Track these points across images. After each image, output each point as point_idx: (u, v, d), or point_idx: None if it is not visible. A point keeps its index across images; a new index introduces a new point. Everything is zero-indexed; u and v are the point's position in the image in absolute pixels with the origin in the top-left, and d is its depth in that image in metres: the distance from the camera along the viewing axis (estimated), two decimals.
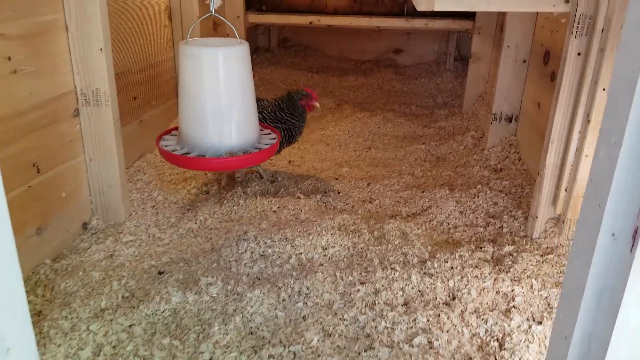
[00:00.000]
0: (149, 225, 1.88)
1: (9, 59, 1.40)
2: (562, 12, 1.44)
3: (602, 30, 1.35)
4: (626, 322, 0.73)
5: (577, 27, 1.39)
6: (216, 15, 1.68)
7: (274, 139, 1.88)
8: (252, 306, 1.42)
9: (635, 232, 0.69)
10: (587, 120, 1.42)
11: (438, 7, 1.45)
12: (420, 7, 1.46)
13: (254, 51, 4.42)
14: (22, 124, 1.47)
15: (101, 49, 1.65)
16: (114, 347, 1.28)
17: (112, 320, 1.34)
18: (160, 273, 1.60)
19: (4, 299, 0.71)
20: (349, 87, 3.99)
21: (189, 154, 1.67)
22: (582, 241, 0.80)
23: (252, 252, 1.70)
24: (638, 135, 0.67)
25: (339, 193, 2.18)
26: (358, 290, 1.50)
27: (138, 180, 2.17)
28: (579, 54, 1.42)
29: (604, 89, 1.35)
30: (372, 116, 3.25)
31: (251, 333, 1.34)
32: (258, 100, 2.12)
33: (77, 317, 1.35)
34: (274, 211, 2.02)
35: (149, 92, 2.43)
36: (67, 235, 1.73)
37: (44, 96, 1.56)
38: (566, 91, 1.46)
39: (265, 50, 4.57)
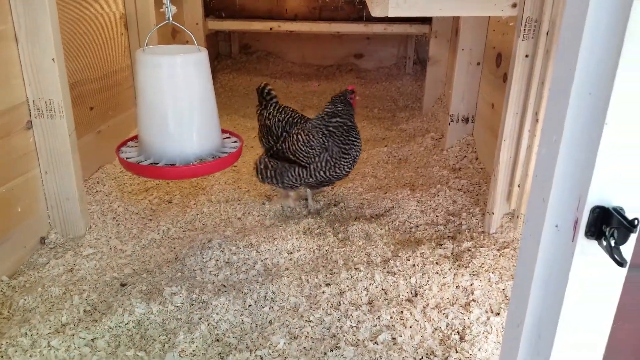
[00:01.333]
0: (110, 237, 1.85)
1: None
2: (510, 15, 1.49)
3: (547, 33, 1.41)
4: (572, 307, 0.77)
5: (524, 30, 1.45)
6: (173, 23, 1.67)
7: (236, 141, 1.88)
8: (217, 313, 1.42)
9: (576, 223, 0.73)
10: (536, 120, 1.49)
11: (392, 13, 1.49)
12: (375, 13, 1.50)
13: (215, 57, 4.40)
14: None
15: (53, 59, 1.62)
16: None
17: (73, 335, 1.32)
18: (122, 285, 1.58)
19: None
20: (311, 92, 4.01)
21: (156, 163, 1.65)
22: (529, 233, 0.84)
23: (217, 260, 1.70)
24: (575, 133, 0.71)
25: (305, 199, 2.20)
26: (323, 292, 1.51)
27: (97, 192, 2.13)
28: (526, 56, 1.48)
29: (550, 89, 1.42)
30: None
31: (217, 340, 1.34)
32: (303, 119, 1.99)
33: (37, 334, 1.32)
34: (239, 218, 2.02)
35: (106, 101, 2.39)
36: (25, 251, 1.69)
37: None
38: (516, 92, 1.52)
39: (226, 57, 4.55)
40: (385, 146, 2.83)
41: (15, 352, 1.26)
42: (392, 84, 4.12)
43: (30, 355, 1.26)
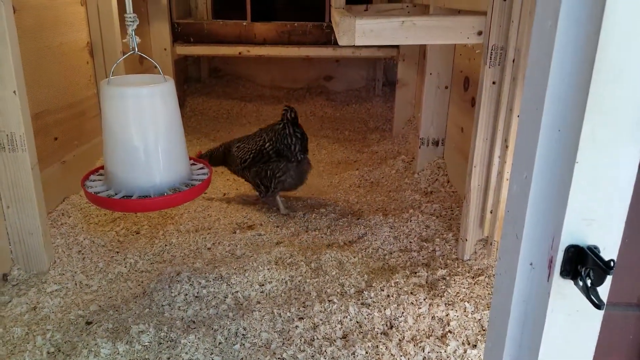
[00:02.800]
0: (75, 272, 1.77)
1: None
2: (475, 43, 1.51)
3: (513, 61, 1.43)
4: (549, 348, 0.75)
5: (490, 57, 1.47)
6: (139, 53, 1.64)
7: (204, 168, 1.85)
8: (186, 352, 1.37)
9: (550, 261, 0.72)
10: (505, 146, 1.50)
11: (359, 42, 1.49)
12: (342, 42, 1.50)
13: (184, 81, 4.36)
14: None
15: (15, 92, 1.56)
16: None
17: None
18: (88, 323, 1.51)
19: None
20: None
21: (131, 196, 1.60)
22: (503, 271, 0.83)
23: (185, 294, 1.65)
24: (546, 171, 0.70)
25: (276, 227, 2.16)
26: (296, 327, 1.48)
27: (62, 225, 2.06)
28: (493, 82, 1.50)
29: (518, 116, 1.43)
30: None
31: None
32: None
33: None
34: (209, 248, 1.98)
35: (71, 131, 2.33)
36: None
37: None
38: (484, 118, 1.54)
39: (195, 81, 4.52)
40: (357, 169, 2.83)
41: None
42: (362, 105, 4.14)
43: None
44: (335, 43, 3.67)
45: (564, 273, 0.70)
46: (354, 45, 3.56)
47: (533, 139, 0.71)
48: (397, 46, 3.36)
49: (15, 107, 1.59)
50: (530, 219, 0.74)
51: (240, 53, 3.68)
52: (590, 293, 0.66)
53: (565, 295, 0.71)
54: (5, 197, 1.67)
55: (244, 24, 3.74)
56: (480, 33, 1.46)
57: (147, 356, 1.36)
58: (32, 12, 2.01)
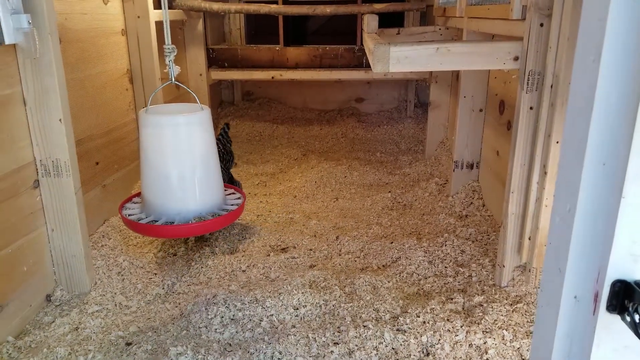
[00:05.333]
0: (115, 293, 1.82)
1: None
2: (512, 69, 1.51)
3: (551, 86, 1.42)
4: None
5: (528, 83, 1.46)
6: (176, 82, 1.70)
7: (239, 198, 1.88)
8: None
9: (596, 296, 0.71)
10: (544, 172, 1.48)
11: (393, 69, 1.51)
12: (376, 69, 1.52)
13: (218, 105, 4.46)
14: None
15: (60, 120, 1.63)
16: None
17: None
18: (128, 344, 1.54)
19: None
20: (313, 136, 4.04)
21: (155, 221, 1.65)
22: (545, 303, 0.82)
23: (222, 317, 1.67)
24: (590, 204, 0.70)
25: (309, 249, 2.17)
26: (332, 352, 1.47)
27: (103, 246, 2.12)
28: (531, 108, 1.49)
29: (557, 142, 1.41)
30: (338, 165, 3.29)
31: None
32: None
33: None
34: (243, 271, 2.00)
35: (111, 156, 2.41)
36: (30, 310, 1.66)
37: (2, 170, 1.53)
38: (522, 143, 1.52)
39: (229, 104, 4.61)
40: (389, 192, 2.83)
41: None
42: (393, 127, 4.15)
43: None
44: (367, 66, 3.70)
45: (611, 308, 0.69)
46: None
47: (577, 172, 0.71)
48: None
49: (60, 135, 1.66)
50: (574, 252, 0.73)
51: (273, 77, 3.74)
52: (638, 328, 0.65)
53: (612, 330, 0.70)
54: (50, 221, 1.73)
55: (277, 48, 3.82)
56: (516, 58, 1.46)
57: None
58: (76, 43, 2.10)
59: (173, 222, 1.65)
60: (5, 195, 1.54)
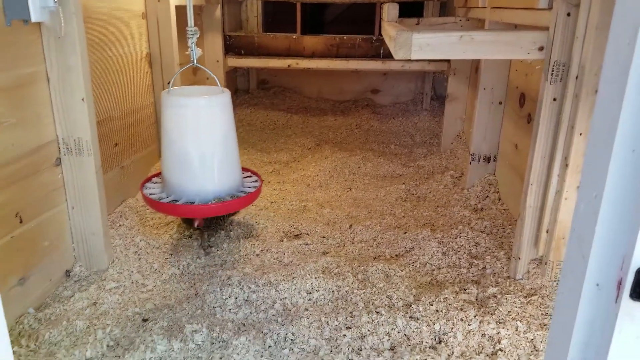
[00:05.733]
0: (132, 272, 1.85)
1: None
2: (536, 59, 1.50)
3: (577, 77, 1.41)
4: None
5: (552, 74, 1.45)
6: (198, 65, 1.71)
7: (256, 181, 1.90)
8: (238, 354, 1.40)
9: (620, 283, 0.71)
10: (565, 164, 1.47)
11: (415, 56, 1.50)
12: (398, 56, 1.51)
13: (234, 93, 4.47)
14: (4, 175, 1.46)
15: (83, 99, 1.65)
16: None
17: None
18: (144, 320, 1.57)
19: None
20: (328, 126, 4.04)
21: (176, 201, 1.67)
22: (566, 290, 0.82)
23: (236, 298, 1.69)
24: (618, 191, 0.69)
25: (322, 237, 2.18)
26: (344, 336, 1.49)
27: (120, 226, 2.14)
28: (554, 99, 1.48)
29: (580, 134, 1.41)
30: (352, 156, 3.29)
31: None
32: None
33: None
34: (257, 255, 2.01)
35: (130, 138, 2.43)
36: (50, 284, 1.70)
37: (26, 147, 1.55)
38: (543, 136, 1.51)
39: (244, 92, 4.62)
40: (403, 183, 2.82)
41: None
42: (409, 119, 4.13)
43: None
44: (384, 56, 3.69)
45: (634, 295, 0.69)
46: (406, 60, 3.57)
47: (604, 159, 0.70)
48: (448, 60, 3.35)
49: (83, 114, 1.68)
50: (598, 239, 0.73)
51: (289, 65, 3.74)
52: None
53: (635, 317, 0.70)
54: (70, 199, 1.76)
55: (294, 37, 3.81)
56: (541, 48, 1.45)
57: (200, 355, 1.40)
58: (98, 24, 2.11)
59: (193, 202, 1.66)
60: (29, 171, 1.57)
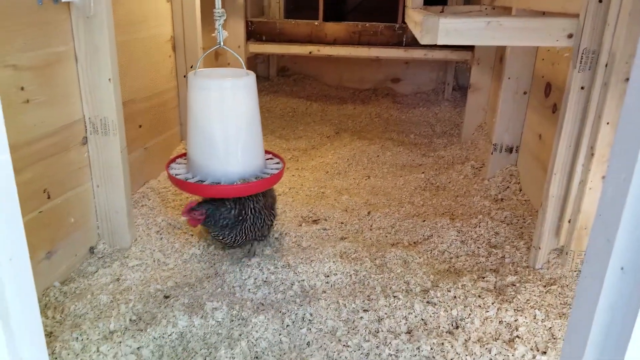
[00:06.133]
0: (154, 250, 1.88)
1: (22, 89, 1.44)
2: (564, 46, 1.48)
3: (606, 65, 1.39)
4: (634, 357, 0.74)
5: (581, 61, 1.43)
6: (224, 47, 1.72)
7: (279, 163, 1.91)
8: (257, 331, 1.43)
9: None
10: (591, 154, 1.46)
11: (441, 41, 1.49)
12: (424, 41, 1.51)
13: None
14: (33, 151, 1.50)
15: (109, 79, 1.68)
16: None
17: (121, 342, 1.36)
18: (166, 297, 1.60)
19: (21, 320, 0.72)
20: (347, 115, 4.04)
21: (202, 181, 1.69)
22: (590, 274, 0.81)
23: (255, 278, 1.71)
24: None
25: (341, 223, 2.20)
26: (361, 318, 1.50)
27: (143, 206, 2.18)
28: (582, 87, 1.46)
29: (607, 123, 1.39)
30: (371, 144, 3.29)
31: (257, 358, 1.35)
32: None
33: (88, 339, 1.37)
34: (276, 238, 2.03)
35: (153, 120, 2.46)
36: (75, 259, 1.75)
37: (54, 125, 1.59)
38: (569, 124, 1.50)
39: (264, 79, 4.63)
40: (423, 172, 2.82)
41: (68, 355, 1.32)
42: (429, 109, 4.11)
43: (81, 359, 1.30)
44: (407, 44, 3.66)
45: None
46: (429, 46, 3.54)
47: (635, 142, 0.70)
48: (471, 49, 3.32)
49: (109, 94, 1.70)
50: (625, 222, 0.73)
51: (310, 52, 3.74)
52: None
53: None
54: (96, 177, 1.79)
55: (316, 23, 3.80)
56: (570, 36, 1.43)
57: (220, 331, 1.43)
58: (124, 6, 2.13)
59: (219, 183, 1.69)
60: (57, 149, 1.61)
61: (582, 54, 1.40)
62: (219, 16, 1.70)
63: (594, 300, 0.80)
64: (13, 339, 0.72)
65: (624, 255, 0.74)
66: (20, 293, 0.72)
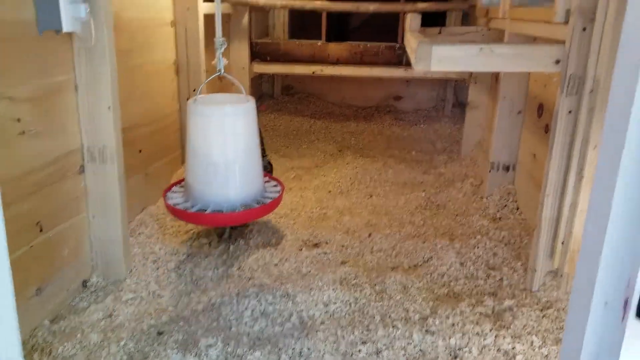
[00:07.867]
0: (149, 282, 1.86)
1: (18, 120, 1.43)
2: (553, 72, 1.49)
3: (591, 91, 1.40)
4: None
5: (568, 86, 1.44)
6: (225, 74, 1.74)
7: (277, 186, 1.93)
8: None
9: (626, 302, 0.71)
10: (580, 177, 1.46)
11: (434, 68, 1.51)
12: (418, 67, 1.52)
13: (258, 98, 4.52)
14: (29, 183, 1.48)
15: (109, 107, 1.68)
16: None
17: None
18: (159, 334, 1.58)
19: None
20: (350, 132, 4.05)
21: (203, 210, 1.70)
22: (576, 307, 0.81)
23: (252, 310, 1.69)
24: (624, 213, 0.69)
25: (342, 246, 2.19)
26: (359, 351, 1.49)
27: (140, 234, 2.18)
28: (569, 112, 1.47)
29: (594, 147, 1.39)
30: (374, 162, 3.29)
31: None
32: None
33: None
34: (275, 264, 2.03)
35: (154, 144, 2.46)
36: (67, 294, 1.70)
37: (51, 155, 1.57)
38: (559, 147, 1.50)
39: (269, 97, 4.67)
40: (423, 191, 2.81)
41: None
42: (430, 126, 4.12)
43: None
44: (407, 64, 3.69)
45: None
46: None
47: (612, 177, 0.70)
48: None
49: (108, 122, 1.70)
50: (605, 258, 0.73)
51: (314, 72, 3.77)
52: None
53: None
54: (92, 207, 1.77)
55: (319, 44, 3.84)
56: (557, 62, 1.44)
57: None
58: (127, 33, 2.14)
59: (221, 211, 1.70)
60: (53, 179, 1.59)
61: (569, 79, 1.41)
62: (220, 45, 1.73)
63: (581, 334, 0.79)
64: None
65: (607, 291, 0.74)
66: (3, 339, 0.71)
